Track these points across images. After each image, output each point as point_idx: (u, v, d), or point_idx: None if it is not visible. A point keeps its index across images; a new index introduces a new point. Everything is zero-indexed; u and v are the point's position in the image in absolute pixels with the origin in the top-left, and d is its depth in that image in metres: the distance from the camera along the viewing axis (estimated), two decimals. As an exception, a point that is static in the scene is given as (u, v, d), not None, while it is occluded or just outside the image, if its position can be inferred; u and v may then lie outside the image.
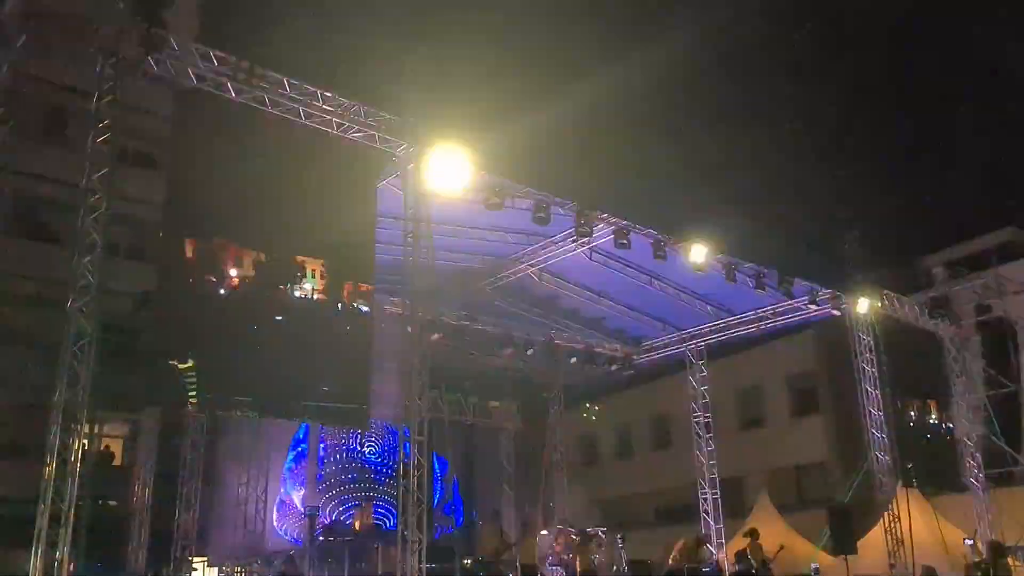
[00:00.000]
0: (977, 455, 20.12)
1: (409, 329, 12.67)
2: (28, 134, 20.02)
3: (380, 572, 14.69)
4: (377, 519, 19.60)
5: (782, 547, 16.14)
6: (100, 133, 10.26)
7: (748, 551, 15.94)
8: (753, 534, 16.12)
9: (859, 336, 18.90)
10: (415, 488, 11.87)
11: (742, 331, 21.11)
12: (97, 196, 10.07)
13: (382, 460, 22.86)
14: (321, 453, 22.74)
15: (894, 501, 17.95)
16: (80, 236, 9.96)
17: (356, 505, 21.00)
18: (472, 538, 22.77)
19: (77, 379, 9.51)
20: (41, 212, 21.75)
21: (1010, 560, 15.82)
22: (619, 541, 17.34)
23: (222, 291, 11.25)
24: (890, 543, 17.80)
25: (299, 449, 22.16)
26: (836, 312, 19.06)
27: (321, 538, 16.23)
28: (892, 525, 17.81)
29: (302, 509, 19.62)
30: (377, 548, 15.22)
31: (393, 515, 15.05)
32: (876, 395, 18.60)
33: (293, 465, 22.03)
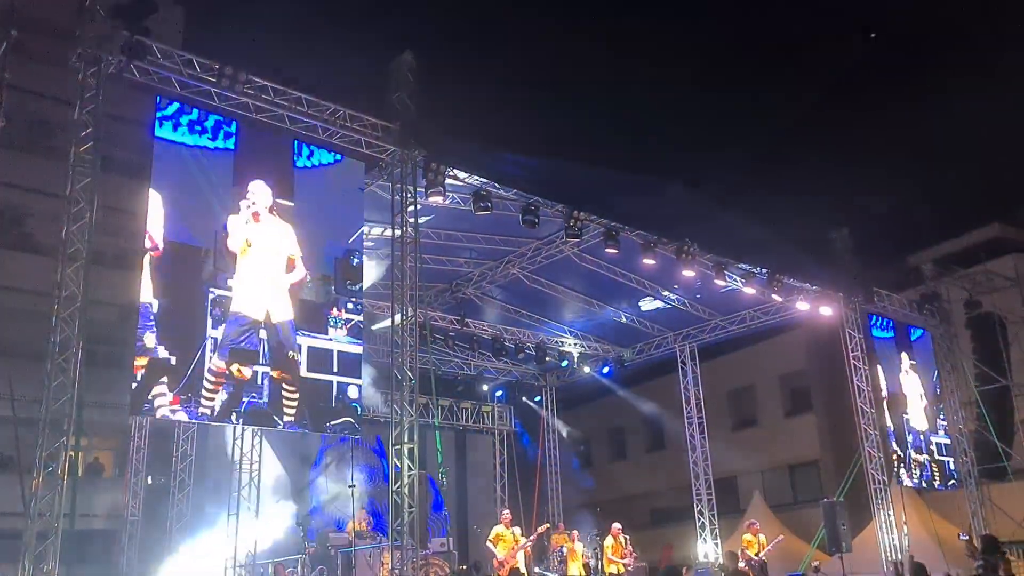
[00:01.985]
0: (969, 451, 20.18)
1: (396, 336, 12.59)
2: (12, 144, 19.87)
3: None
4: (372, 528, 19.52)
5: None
6: (83, 142, 10.17)
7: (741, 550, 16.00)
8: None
9: (850, 334, 18.92)
10: (406, 494, 11.81)
11: (733, 331, 21.15)
12: (80, 205, 9.98)
13: (375, 465, 22.74)
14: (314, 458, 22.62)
15: (888, 498, 18.01)
16: (64, 246, 9.86)
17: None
18: (467, 543, 22.66)
19: (63, 390, 9.40)
20: (26, 222, 21.61)
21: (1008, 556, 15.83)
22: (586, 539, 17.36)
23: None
24: (885, 540, 17.83)
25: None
26: (827, 311, 19.08)
27: (314, 545, 16.12)
28: (887, 522, 17.85)
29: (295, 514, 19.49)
30: (370, 554, 15.12)
31: (384, 520, 14.99)
32: (868, 392, 18.62)
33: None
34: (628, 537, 16.50)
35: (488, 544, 14.89)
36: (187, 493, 17.28)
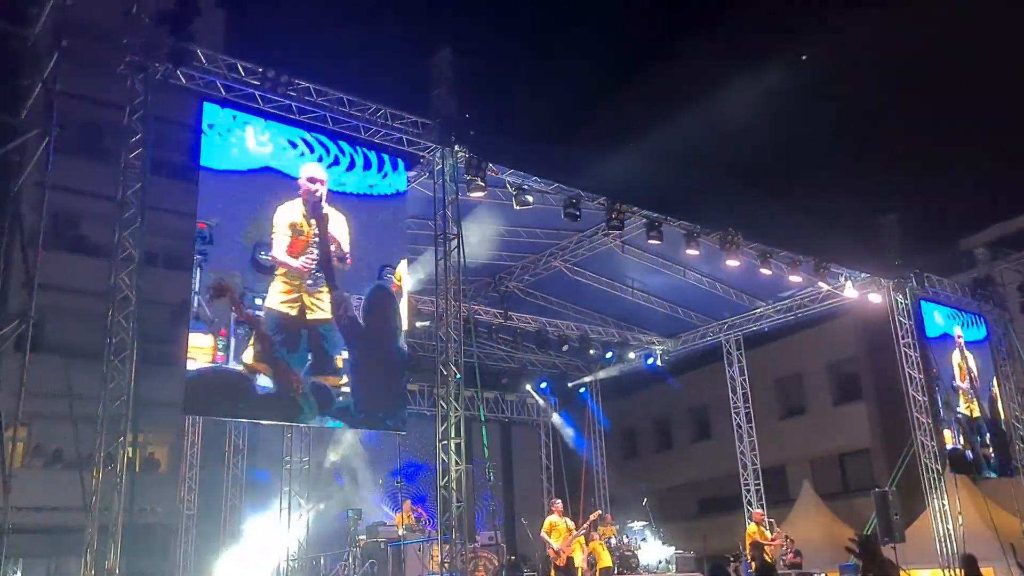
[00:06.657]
0: (1026, 438, 19.69)
1: (441, 332, 12.68)
2: (65, 149, 20.35)
3: (423, 573, 14.74)
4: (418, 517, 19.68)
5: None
6: (132, 147, 10.42)
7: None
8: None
9: (900, 321, 18.56)
10: (454, 488, 11.92)
11: (779, 319, 20.86)
12: (132, 210, 10.23)
13: (421, 459, 22.93)
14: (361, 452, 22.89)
15: (942, 487, 17.67)
16: (117, 249, 10.13)
17: (397, 503, 21.10)
18: (514, 536, 22.76)
19: (120, 390, 9.67)
20: (80, 225, 22.18)
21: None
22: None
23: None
24: (939, 530, 17.52)
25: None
26: (876, 298, 18.73)
27: (364, 537, 16.32)
28: (941, 511, 17.52)
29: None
30: (420, 547, 15.26)
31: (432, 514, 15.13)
32: (920, 380, 18.25)
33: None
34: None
35: (543, 535, 14.98)
36: (240, 488, 17.63)
